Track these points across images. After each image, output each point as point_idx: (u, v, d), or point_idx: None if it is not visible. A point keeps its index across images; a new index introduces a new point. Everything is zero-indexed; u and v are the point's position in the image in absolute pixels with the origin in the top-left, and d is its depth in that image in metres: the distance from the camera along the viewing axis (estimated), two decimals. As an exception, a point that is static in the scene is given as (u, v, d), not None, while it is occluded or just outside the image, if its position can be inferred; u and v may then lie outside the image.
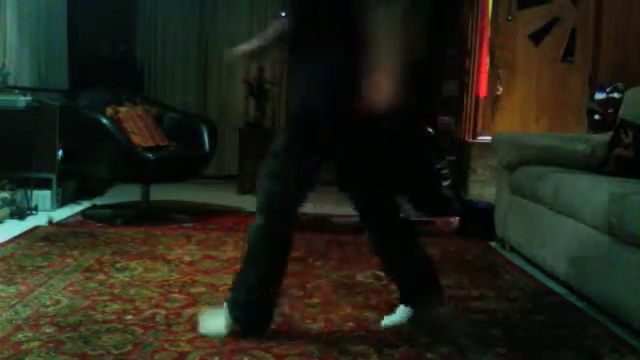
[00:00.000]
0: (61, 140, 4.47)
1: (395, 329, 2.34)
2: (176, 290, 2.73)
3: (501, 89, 5.28)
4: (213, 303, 2.54)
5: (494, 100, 5.28)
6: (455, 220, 4.37)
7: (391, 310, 2.56)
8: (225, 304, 2.22)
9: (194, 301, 2.59)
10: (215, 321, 2.22)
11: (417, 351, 2.16)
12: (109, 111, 4.26)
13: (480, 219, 4.03)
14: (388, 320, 2.38)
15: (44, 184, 4.41)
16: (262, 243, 2.17)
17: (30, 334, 2.17)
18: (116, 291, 2.68)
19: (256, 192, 2.20)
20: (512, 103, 5.29)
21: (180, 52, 6.41)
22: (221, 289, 2.71)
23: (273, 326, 2.27)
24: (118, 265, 3.08)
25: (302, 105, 2.13)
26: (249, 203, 4.28)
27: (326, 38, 2.01)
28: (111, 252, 3.31)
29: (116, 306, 2.49)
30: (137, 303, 2.53)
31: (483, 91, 5.27)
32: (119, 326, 2.28)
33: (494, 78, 5.26)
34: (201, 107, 6.39)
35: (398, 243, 2.33)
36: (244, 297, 2.20)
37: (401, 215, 2.43)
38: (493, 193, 4.00)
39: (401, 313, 2.36)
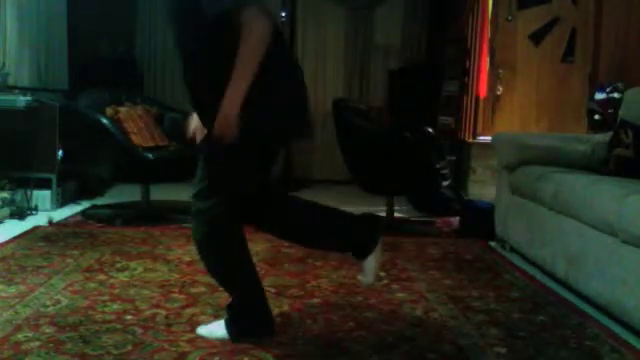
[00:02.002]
0: (61, 140, 4.47)
1: (395, 329, 2.35)
2: (176, 290, 2.73)
3: (501, 89, 5.28)
4: (213, 303, 2.55)
5: (494, 100, 5.28)
6: (455, 220, 4.38)
7: (391, 310, 2.57)
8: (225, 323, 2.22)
9: (194, 301, 2.59)
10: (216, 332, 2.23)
11: (417, 351, 2.16)
12: (109, 111, 4.25)
13: (480, 219, 4.02)
14: (364, 277, 2.29)
15: (44, 184, 4.41)
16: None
17: (30, 334, 2.17)
18: (116, 291, 2.68)
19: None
20: (512, 103, 5.29)
21: (180, 52, 6.40)
22: (221, 289, 2.71)
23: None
24: (118, 265, 3.08)
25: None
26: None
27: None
28: (111, 252, 3.31)
29: (116, 306, 2.49)
30: (137, 303, 2.53)
31: (483, 91, 5.27)
32: (119, 326, 2.28)
33: (494, 78, 5.27)
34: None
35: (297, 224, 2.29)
36: (246, 312, 2.21)
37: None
38: (493, 193, 4.00)
39: (369, 263, 2.24)
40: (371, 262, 2.23)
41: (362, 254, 2.23)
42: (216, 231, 2.12)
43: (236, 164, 2.07)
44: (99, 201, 4.87)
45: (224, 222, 2.11)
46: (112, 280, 2.83)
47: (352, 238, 2.25)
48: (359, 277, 2.35)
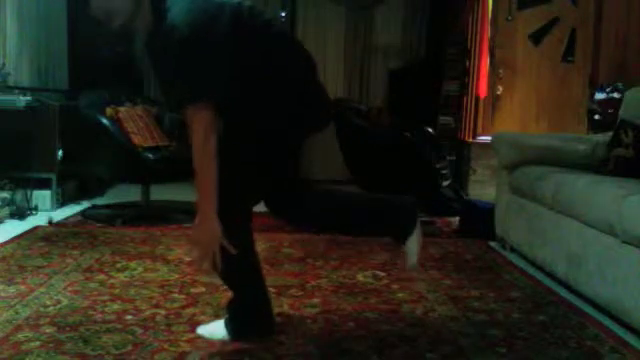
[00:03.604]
0: (61, 140, 4.47)
1: (395, 329, 2.35)
2: (176, 290, 2.73)
3: (501, 89, 5.28)
4: (213, 303, 2.55)
5: (494, 100, 5.29)
6: (455, 220, 4.37)
7: (391, 310, 2.57)
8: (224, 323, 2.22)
9: (194, 301, 2.58)
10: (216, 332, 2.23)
11: (417, 351, 2.16)
12: (109, 111, 4.25)
13: (480, 219, 4.02)
14: (408, 260, 2.30)
15: (44, 184, 4.41)
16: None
17: (30, 334, 2.17)
18: (116, 291, 2.68)
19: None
20: (512, 103, 5.29)
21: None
22: (221, 289, 2.71)
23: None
24: (118, 265, 3.08)
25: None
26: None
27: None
28: (111, 252, 3.31)
29: (116, 306, 2.49)
30: (137, 303, 2.53)
31: (483, 91, 5.27)
32: (119, 326, 2.28)
33: (494, 78, 5.27)
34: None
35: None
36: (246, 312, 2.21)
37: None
38: (493, 193, 3.99)
39: (411, 247, 2.26)
40: (412, 245, 2.24)
41: (402, 238, 2.24)
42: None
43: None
44: (99, 201, 4.86)
45: (230, 221, 2.11)
46: (112, 280, 2.83)
47: (389, 224, 2.26)
48: (401, 261, 2.36)
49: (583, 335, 2.36)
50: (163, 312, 2.44)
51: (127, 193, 4.95)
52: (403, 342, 2.23)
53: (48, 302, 2.50)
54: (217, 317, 2.31)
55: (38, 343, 2.10)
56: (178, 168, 4.37)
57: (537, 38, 5.23)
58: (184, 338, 2.19)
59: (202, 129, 1.92)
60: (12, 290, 2.64)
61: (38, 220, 4.04)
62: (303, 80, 2.14)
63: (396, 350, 2.16)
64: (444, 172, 4.19)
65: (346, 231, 2.50)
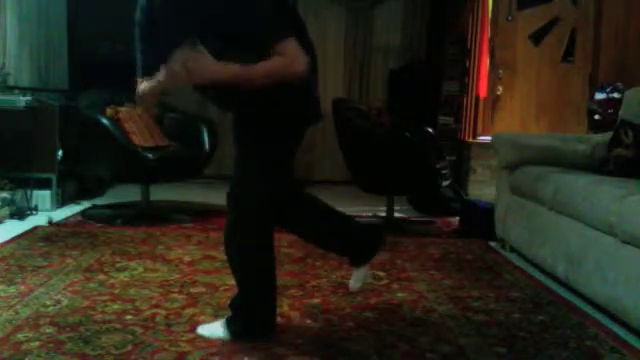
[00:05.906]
0: (61, 140, 4.47)
1: (395, 329, 2.35)
2: (176, 290, 2.73)
3: (501, 89, 5.28)
4: (213, 303, 2.54)
5: (494, 100, 5.29)
6: (455, 220, 4.38)
7: (391, 310, 2.57)
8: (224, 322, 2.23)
9: (194, 301, 2.58)
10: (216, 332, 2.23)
11: (417, 351, 2.16)
12: (109, 111, 4.25)
13: (480, 219, 4.03)
14: (354, 283, 2.44)
15: (44, 184, 4.41)
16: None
17: (30, 334, 2.17)
18: (116, 291, 2.68)
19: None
20: (512, 103, 5.29)
21: (180, 52, 6.39)
22: (221, 289, 2.72)
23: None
24: (118, 265, 3.08)
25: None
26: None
27: None
28: (111, 252, 3.31)
29: (116, 306, 2.49)
30: (137, 303, 2.53)
31: (483, 91, 5.28)
32: (119, 326, 2.28)
33: (494, 78, 5.27)
34: (201, 107, 6.38)
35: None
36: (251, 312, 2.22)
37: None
38: (493, 193, 4.00)
39: (359, 274, 2.41)
40: (364, 271, 2.40)
41: (358, 262, 2.38)
42: (245, 222, 2.12)
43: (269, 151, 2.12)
44: (99, 201, 4.86)
45: (255, 214, 2.12)
46: (112, 280, 2.83)
47: (355, 246, 2.37)
48: (350, 282, 2.48)
49: (583, 335, 2.36)
50: (163, 312, 2.44)
51: (127, 193, 4.94)
52: (403, 342, 2.23)
53: (48, 302, 2.50)
54: (217, 317, 2.32)
55: (38, 343, 2.10)
56: (178, 168, 4.38)
57: (537, 38, 5.23)
58: (184, 338, 2.19)
59: (301, 54, 1.96)
60: (12, 290, 2.64)
61: (38, 220, 4.04)
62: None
63: (396, 350, 2.16)
64: (444, 172, 4.18)
65: (315, 237, 2.43)
